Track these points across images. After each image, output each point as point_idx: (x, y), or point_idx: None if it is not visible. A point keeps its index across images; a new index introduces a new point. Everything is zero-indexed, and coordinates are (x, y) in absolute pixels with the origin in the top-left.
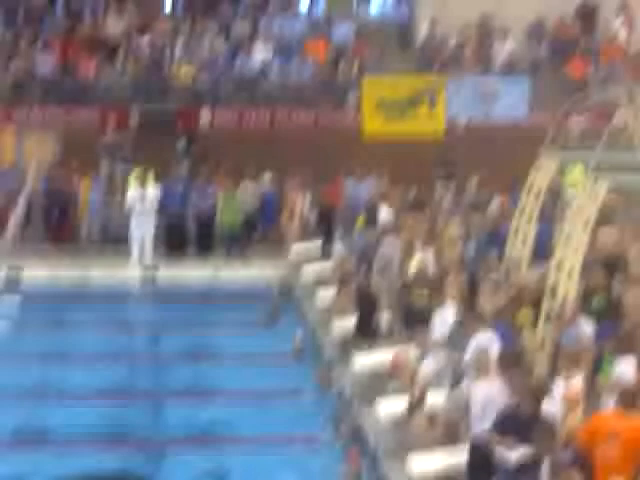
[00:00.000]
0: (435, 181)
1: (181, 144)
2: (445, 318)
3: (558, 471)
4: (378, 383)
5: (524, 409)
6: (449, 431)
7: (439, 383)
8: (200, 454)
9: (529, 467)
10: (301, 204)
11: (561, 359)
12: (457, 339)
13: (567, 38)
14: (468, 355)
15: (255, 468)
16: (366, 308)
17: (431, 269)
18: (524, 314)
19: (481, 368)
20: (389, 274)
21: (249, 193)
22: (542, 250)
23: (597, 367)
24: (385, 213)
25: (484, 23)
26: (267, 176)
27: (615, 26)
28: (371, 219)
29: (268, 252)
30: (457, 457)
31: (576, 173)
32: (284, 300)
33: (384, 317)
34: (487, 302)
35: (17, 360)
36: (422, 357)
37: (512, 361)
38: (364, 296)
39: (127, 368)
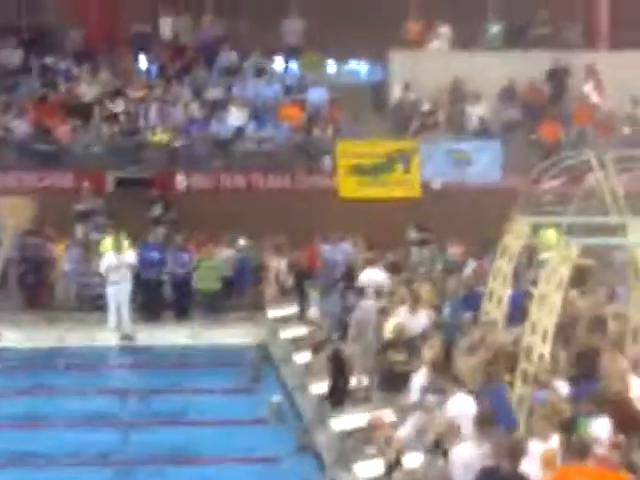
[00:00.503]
0: (409, 245)
1: (157, 210)
2: (423, 382)
3: None
4: (355, 446)
5: (503, 468)
6: None
7: (416, 447)
8: None
9: None
10: (277, 268)
11: (536, 420)
12: (428, 402)
13: (538, 101)
14: (444, 418)
15: None
16: (340, 373)
17: (408, 332)
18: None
19: (452, 436)
20: (365, 338)
21: (225, 259)
22: (516, 313)
23: (572, 428)
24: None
25: (456, 87)
26: (242, 241)
27: (585, 89)
28: (349, 284)
29: (245, 317)
30: None
31: (549, 236)
32: (262, 364)
33: (361, 381)
34: (462, 365)
35: None
36: (399, 420)
37: (490, 422)
38: (339, 361)
39: (105, 432)
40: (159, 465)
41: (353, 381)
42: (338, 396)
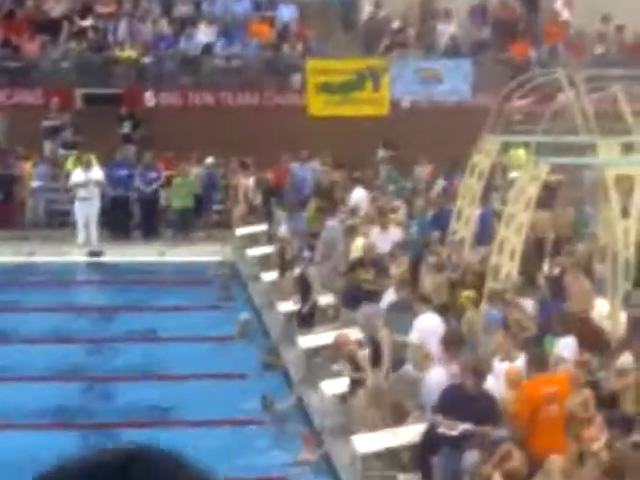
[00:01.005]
0: (378, 163)
1: (126, 127)
2: (391, 300)
3: (495, 446)
4: (322, 364)
5: (467, 387)
6: (395, 412)
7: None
8: (146, 435)
9: (470, 443)
10: (245, 186)
11: (504, 340)
12: (395, 320)
13: (509, 20)
14: (412, 336)
15: (198, 448)
16: (306, 294)
17: (377, 250)
18: (466, 296)
19: (422, 362)
20: (333, 257)
21: (193, 177)
22: (484, 232)
23: (538, 347)
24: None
25: (427, 5)
26: (209, 159)
27: (557, 7)
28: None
29: (213, 235)
30: (402, 438)
31: (519, 155)
32: (230, 282)
33: (328, 301)
34: (428, 284)
35: None
36: (364, 339)
37: (455, 341)
38: (305, 282)
39: (72, 349)
40: (126, 381)
41: (321, 300)
42: (306, 316)
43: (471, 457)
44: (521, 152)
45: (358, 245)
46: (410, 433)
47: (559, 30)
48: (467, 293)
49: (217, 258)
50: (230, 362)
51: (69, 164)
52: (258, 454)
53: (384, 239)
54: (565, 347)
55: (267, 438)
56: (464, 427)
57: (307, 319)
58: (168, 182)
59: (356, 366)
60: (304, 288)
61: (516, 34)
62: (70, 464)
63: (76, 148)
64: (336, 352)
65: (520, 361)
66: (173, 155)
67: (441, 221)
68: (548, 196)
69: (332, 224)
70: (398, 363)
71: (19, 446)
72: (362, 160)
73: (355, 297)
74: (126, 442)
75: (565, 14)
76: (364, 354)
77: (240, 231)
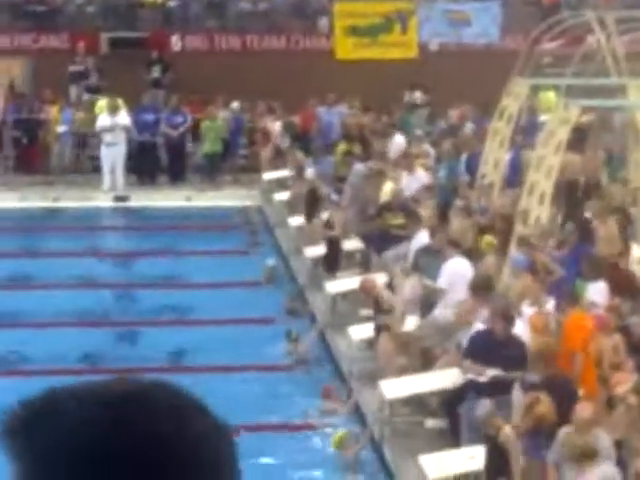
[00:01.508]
0: (405, 106)
1: (155, 71)
2: (420, 245)
3: (526, 392)
4: (349, 309)
5: (496, 332)
6: (423, 358)
7: (410, 310)
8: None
9: (500, 389)
10: (271, 130)
11: (533, 284)
12: (425, 265)
13: None
14: (441, 281)
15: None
16: (314, 209)
17: (406, 194)
18: (487, 242)
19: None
20: (360, 201)
21: (221, 121)
22: (514, 176)
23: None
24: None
25: None
26: (235, 104)
27: None
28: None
29: (240, 180)
30: (430, 383)
31: (549, 98)
32: (258, 227)
33: (355, 245)
34: (456, 228)
35: None
36: (391, 283)
37: (484, 286)
38: (314, 197)
39: (98, 295)
40: (152, 326)
41: (348, 245)
42: (331, 261)
43: (483, 407)
44: (551, 95)
45: (387, 189)
46: (438, 378)
47: None
48: (488, 239)
49: (244, 203)
50: (257, 307)
51: (98, 108)
52: (284, 400)
53: (411, 182)
54: (596, 292)
55: (294, 384)
56: (493, 373)
57: (333, 264)
58: (195, 126)
59: (383, 310)
60: (311, 204)
61: None
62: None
63: (101, 92)
64: (363, 296)
65: (549, 306)
66: (200, 99)
67: (471, 165)
68: (578, 139)
69: (360, 168)
70: (427, 308)
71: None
72: (390, 104)
73: (383, 241)
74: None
75: None
76: (391, 298)
77: (267, 175)
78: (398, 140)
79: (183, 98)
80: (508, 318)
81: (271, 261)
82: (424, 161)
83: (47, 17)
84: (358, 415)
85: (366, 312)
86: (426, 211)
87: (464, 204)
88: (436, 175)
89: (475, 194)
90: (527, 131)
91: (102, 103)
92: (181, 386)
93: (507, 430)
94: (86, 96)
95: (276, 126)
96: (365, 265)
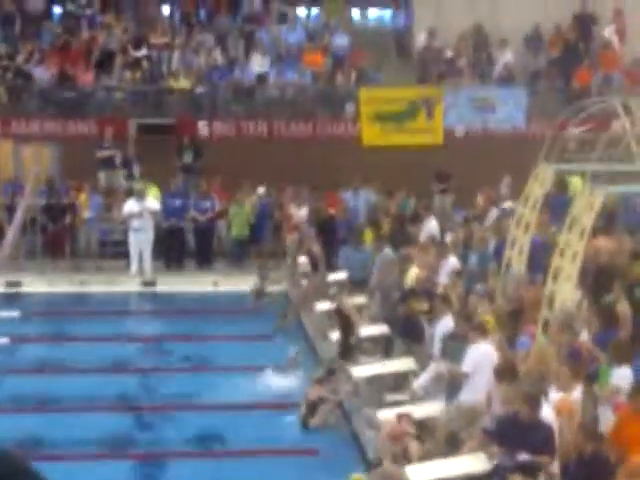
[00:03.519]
0: (432, 193)
1: (188, 157)
2: (445, 330)
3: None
4: (375, 394)
5: (522, 416)
6: (449, 444)
7: (434, 395)
8: (196, 464)
9: (527, 474)
10: (298, 216)
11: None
12: (451, 350)
13: (564, 48)
14: (466, 366)
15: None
16: (346, 327)
17: (433, 280)
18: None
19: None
20: (386, 286)
21: (249, 206)
22: (537, 261)
23: (594, 377)
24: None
25: (480, 32)
26: (261, 189)
27: (606, 33)
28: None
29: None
30: (457, 469)
31: (577, 185)
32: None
33: (380, 330)
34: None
35: (18, 374)
36: (419, 370)
37: (509, 371)
38: (342, 316)
39: (125, 379)
40: (179, 411)
41: (373, 330)
42: (346, 350)
43: None
44: (578, 180)
45: (412, 275)
46: (464, 463)
47: (614, 58)
48: (487, 317)
49: (271, 288)
50: (282, 391)
51: (151, 193)
52: None
53: (442, 269)
54: (622, 377)
55: (313, 470)
56: (521, 457)
57: (348, 352)
58: (222, 212)
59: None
60: (341, 323)
61: (572, 62)
62: None
63: (132, 178)
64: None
65: (576, 393)
66: (227, 185)
67: (499, 251)
68: (607, 223)
69: (388, 252)
70: (454, 392)
71: (71, 476)
72: (416, 190)
73: (407, 327)
74: None
75: (615, 41)
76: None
77: (295, 263)
78: (432, 225)
79: (209, 184)
80: (534, 403)
81: (294, 350)
82: (456, 248)
83: (75, 103)
84: None
85: (391, 397)
86: (454, 297)
87: (487, 290)
88: (465, 261)
89: (499, 281)
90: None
91: (155, 190)
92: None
93: None
94: (123, 183)
95: (302, 212)
96: (388, 349)
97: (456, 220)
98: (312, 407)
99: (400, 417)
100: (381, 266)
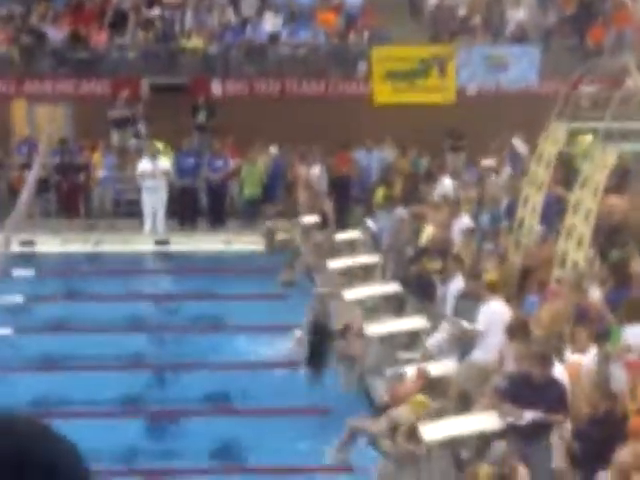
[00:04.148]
0: (444, 151)
1: (201, 116)
2: (457, 289)
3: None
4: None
5: (534, 376)
6: (461, 402)
7: (447, 354)
8: (210, 423)
9: (540, 432)
10: (311, 175)
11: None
12: (463, 309)
13: (578, 5)
14: (479, 324)
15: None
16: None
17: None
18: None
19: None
20: (399, 245)
21: (261, 165)
22: (549, 218)
23: (605, 336)
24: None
25: None
26: (273, 149)
27: None
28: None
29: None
30: (469, 427)
31: (586, 142)
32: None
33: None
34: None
35: (33, 333)
36: (431, 329)
37: (521, 329)
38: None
39: (138, 338)
40: (191, 370)
41: (388, 288)
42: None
43: (498, 447)
44: (586, 138)
45: (427, 233)
46: (476, 421)
47: (626, 15)
48: (492, 276)
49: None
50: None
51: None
52: (314, 446)
53: (455, 227)
54: (634, 336)
55: (324, 428)
56: (531, 416)
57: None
58: (234, 171)
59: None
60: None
61: (585, 20)
62: None
63: (144, 137)
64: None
65: (590, 355)
66: (240, 144)
67: (511, 210)
68: (619, 182)
69: (400, 212)
70: (467, 351)
71: (86, 435)
72: (428, 148)
73: (421, 285)
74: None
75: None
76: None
77: (306, 219)
78: (446, 183)
79: (223, 143)
80: (546, 362)
81: (299, 332)
82: (469, 206)
83: (88, 63)
84: None
85: (403, 355)
86: (466, 255)
87: (498, 249)
88: (478, 220)
89: (510, 239)
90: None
91: (160, 147)
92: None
93: (522, 472)
94: (133, 141)
95: (314, 170)
96: (400, 309)
97: (469, 179)
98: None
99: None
100: (394, 225)
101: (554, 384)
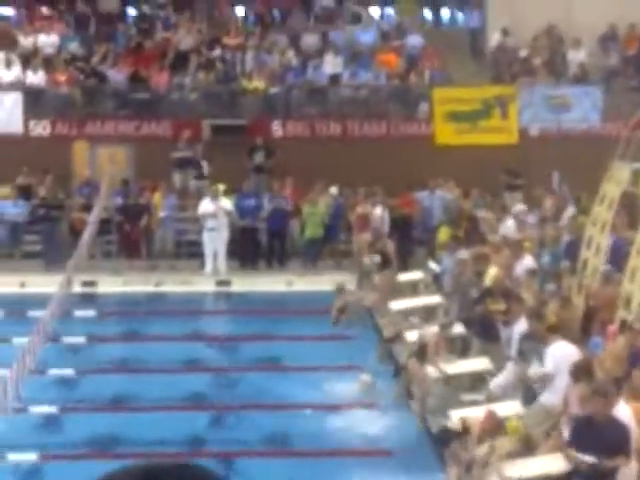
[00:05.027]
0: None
1: (259, 157)
2: (521, 331)
3: None
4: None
5: (597, 416)
6: (527, 445)
7: (511, 395)
8: (270, 463)
9: (605, 475)
10: (373, 215)
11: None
12: (527, 351)
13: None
14: (547, 365)
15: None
16: None
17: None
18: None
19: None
20: (462, 286)
21: (323, 206)
22: (618, 261)
23: None
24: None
25: (554, 32)
26: (333, 189)
27: None
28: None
29: (341, 265)
30: (535, 469)
31: None
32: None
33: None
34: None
35: (95, 374)
36: (496, 370)
37: (585, 371)
38: None
39: (200, 379)
40: (250, 411)
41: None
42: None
43: None
44: None
45: (491, 274)
46: (543, 464)
47: None
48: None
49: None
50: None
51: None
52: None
53: (518, 268)
54: None
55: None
56: (591, 460)
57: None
58: (295, 212)
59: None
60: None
61: None
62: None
63: (206, 178)
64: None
65: None
66: (300, 185)
67: (570, 250)
68: None
69: (463, 253)
70: (533, 395)
71: None
72: (490, 189)
73: (485, 327)
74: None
75: None
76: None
77: (367, 260)
78: (509, 224)
79: (283, 184)
80: (607, 402)
81: (365, 376)
82: (530, 245)
83: (150, 105)
84: None
85: (467, 397)
86: (528, 296)
87: (561, 290)
88: (539, 260)
89: (574, 281)
90: None
91: (222, 187)
92: (205, 466)
93: None
94: (194, 182)
95: (377, 210)
96: (465, 350)
97: (529, 219)
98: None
99: (488, 413)
100: (456, 267)
101: (615, 424)
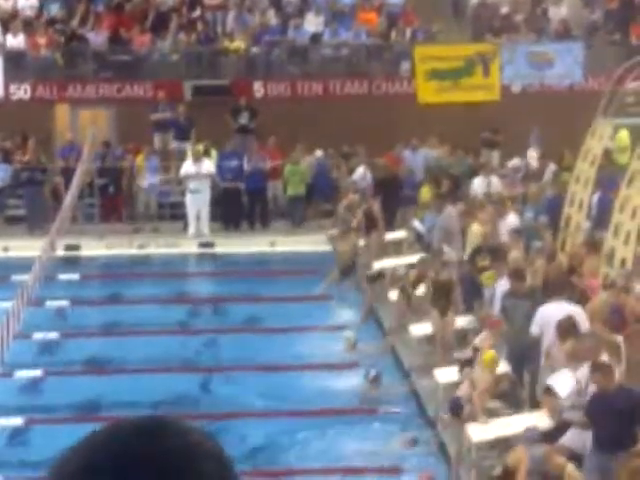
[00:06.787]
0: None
1: (243, 118)
2: (503, 290)
3: None
4: (434, 353)
5: (604, 388)
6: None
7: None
8: (251, 427)
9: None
10: (355, 175)
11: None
12: (511, 309)
13: (621, 1)
14: (533, 328)
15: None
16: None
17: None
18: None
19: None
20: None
21: (305, 165)
22: (604, 217)
23: None
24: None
25: None
26: (319, 152)
27: None
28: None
29: (324, 226)
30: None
31: (623, 138)
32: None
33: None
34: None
35: (79, 336)
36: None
37: (569, 329)
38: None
39: (183, 341)
40: (236, 372)
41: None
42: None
43: (540, 447)
44: (624, 133)
45: (475, 231)
46: (524, 422)
47: None
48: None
49: (328, 248)
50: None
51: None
52: (362, 441)
53: (502, 226)
54: None
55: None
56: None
57: None
58: (279, 172)
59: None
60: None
61: (629, 16)
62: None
63: (187, 140)
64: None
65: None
66: (282, 145)
67: (552, 207)
68: None
69: (451, 210)
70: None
71: None
72: (472, 145)
73: (473, 285)
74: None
75: None
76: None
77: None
78: (493, 181)
79: (264, 144)
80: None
81: (349, 333)
82: (512, 205)
83: (130, 66)
84: (443, 455)
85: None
86: (516, 254)
87: (546, 246)
88: (522, 218)
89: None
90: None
91: (202, 149)
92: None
93: (570, 468)
94: (174, 144)
95: (359, 171)
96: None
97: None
98: None
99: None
100: (446, 225)
101: (625, 392)
